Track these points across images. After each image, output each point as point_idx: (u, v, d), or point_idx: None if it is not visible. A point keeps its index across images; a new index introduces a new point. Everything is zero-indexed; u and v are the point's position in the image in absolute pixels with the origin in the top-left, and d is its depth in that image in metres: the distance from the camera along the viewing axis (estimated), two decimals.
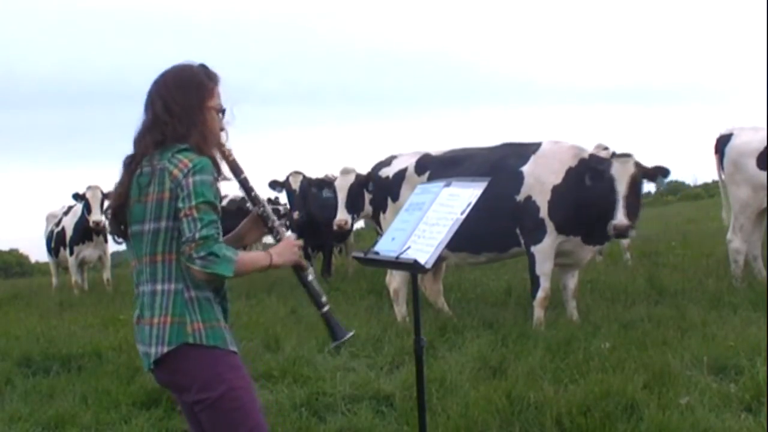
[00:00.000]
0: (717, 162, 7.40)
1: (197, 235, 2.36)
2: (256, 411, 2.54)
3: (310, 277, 2.75)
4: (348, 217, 8.54)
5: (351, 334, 2.82)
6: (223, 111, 2.62)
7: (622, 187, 5.81)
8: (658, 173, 6.08)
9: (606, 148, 7.76)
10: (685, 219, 16.14)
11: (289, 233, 2.74)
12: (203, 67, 2.63)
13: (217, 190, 2.49)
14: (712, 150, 7.47)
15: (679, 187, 32.77)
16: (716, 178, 7.75)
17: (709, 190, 27.99)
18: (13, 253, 27.92)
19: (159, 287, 2.49)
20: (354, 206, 8.63)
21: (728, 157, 7.19)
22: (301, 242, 2.73)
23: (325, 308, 2.77)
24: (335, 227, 8.60)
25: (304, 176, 9.71)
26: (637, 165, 5.94)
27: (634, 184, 5.86)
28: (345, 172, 8.67)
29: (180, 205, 2.41)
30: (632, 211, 5.84)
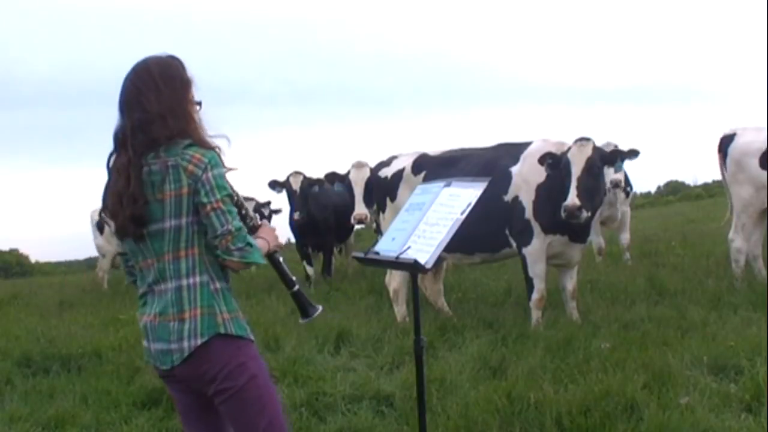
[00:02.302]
0: (720, 161, 7.43)
1: (231, 228, 2.41)
2: (276, 400, 2.58)
3: (281, 258, 2.84)
4: (366, 211, 8.28)
5: (320, 310, 2.91)
6: (198, 103, 2.59)
7: (576, 169, 5.75)
8: (616, 156, 6.11)
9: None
10: (685, 219, 16.14)
11: (263, 220, 2.87)
12: (174, 58, 2.60)
13: None
14: (716, 150, 7.49)
15: (679, 187, 32.81)
16: (717, 178, 7.79)
17: (709, 190, 28.00)
18: (13, 253, 27.93)
19: (185, 282, 2.48)
20: (370, 200, 8.30)
21: (731, 157, 7.22)
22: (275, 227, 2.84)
23: (295, 287, 2.88)
24: (353, 221, 8.42)
25: (304, 176, 9.69)
26: (595, 149, 5.90)
27: (590, 167, 5.78)
28: (358, 165, 8.50)
29: (204, 200, 2.42)
30: (588, 194, 5.77)
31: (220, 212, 2.42)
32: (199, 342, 2.45)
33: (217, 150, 2.56)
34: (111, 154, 2.57)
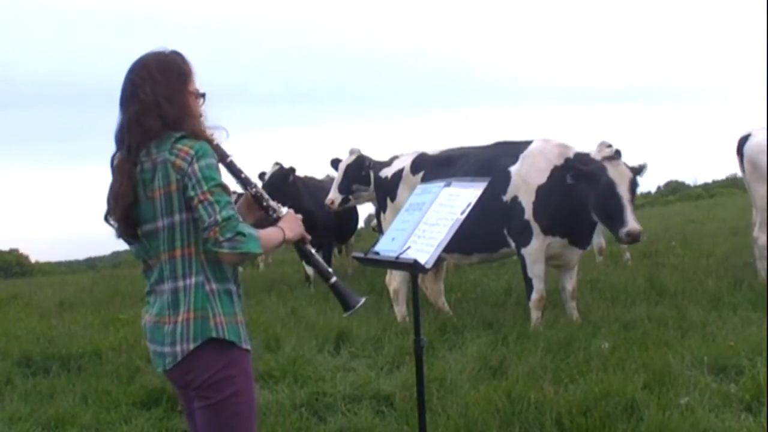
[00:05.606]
0: (739, 163, 7.50)
1: (219, 218, 2.30)
2: (252, 420, 2.51)
3: (313, 250, 2.71)
4: (337, 197, 8.37)
5: (363, 300, 2.78)
6: (202, 95, 2.55)
7: (624, 191, 5.61)
8: (643, 170, 6.07)
9: (609, 146, 7.74)
10: (685, 219, 16.13)
11: (285, 209, 2.68)
12: (176, 53, 2.56)
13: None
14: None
15: (679, 187, 32.80)
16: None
17: (709, 190, 28.04)
18: (13, 253, 27.88)
19: (180, 283, 2.41)
20: (349, 188, 8.42)
21: (747, 156, 7.31)
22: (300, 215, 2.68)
23: (333, 279, 2.72)
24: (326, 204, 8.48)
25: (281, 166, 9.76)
26: (630, 168, 5.82)
27: (633, 186, 5.73)
28: (350, 152, 8.58)
29: (191, 193, 2.34)
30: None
31: (207, 203, 2.32)
32: (191, 346, 2.39)
33: (213, 138, 2.50)
34: (114, 155, 2.53)
